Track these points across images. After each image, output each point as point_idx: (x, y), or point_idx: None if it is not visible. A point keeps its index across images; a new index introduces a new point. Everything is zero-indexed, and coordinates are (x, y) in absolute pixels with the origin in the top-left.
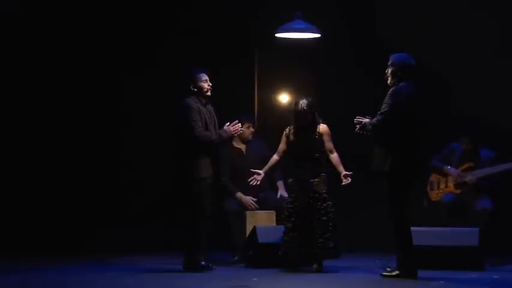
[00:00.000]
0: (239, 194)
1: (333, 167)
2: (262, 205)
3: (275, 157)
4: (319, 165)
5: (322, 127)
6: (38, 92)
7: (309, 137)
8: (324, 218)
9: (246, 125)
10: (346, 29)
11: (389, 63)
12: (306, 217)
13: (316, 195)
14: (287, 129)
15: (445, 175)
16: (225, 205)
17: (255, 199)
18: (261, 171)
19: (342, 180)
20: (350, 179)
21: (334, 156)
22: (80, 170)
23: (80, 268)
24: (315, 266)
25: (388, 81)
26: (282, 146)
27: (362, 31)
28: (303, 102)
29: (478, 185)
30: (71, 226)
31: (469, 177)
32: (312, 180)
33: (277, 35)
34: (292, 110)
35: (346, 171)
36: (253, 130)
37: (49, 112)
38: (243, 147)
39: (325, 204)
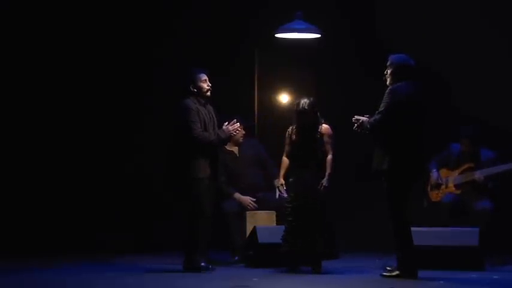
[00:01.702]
0: (237, 195)
1: None
2: (261, 205)
3: (285, 160)
4: (321, 166)
5: (324, 127)
6: (39, 92)
7: (311, 137)
8: (324, 219)
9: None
10: (346, 29)
11: (388, 63)
12: (307, 217)
13: (317, 196)
14: (289, 129)
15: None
16: (224, 206)
17: (253, 199)
18: (281, 180)
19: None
20: (322, 187)
21: (328, 159)
22: (80, 170)
23: (80, 268)
24: (314, 267)
25: (387, 82)
26: (287, 148)
27: (362, 31)
28: (304, 102)
29: (484, 183)
30: (70, 226)
31: (477, 176)
32: (313, 181)
33: (277, 35)
34: (294, 110)
35: (328, 179)
36: (244, 132)
37: (49, 112)
38: (235, 149)
39: (324, 206)
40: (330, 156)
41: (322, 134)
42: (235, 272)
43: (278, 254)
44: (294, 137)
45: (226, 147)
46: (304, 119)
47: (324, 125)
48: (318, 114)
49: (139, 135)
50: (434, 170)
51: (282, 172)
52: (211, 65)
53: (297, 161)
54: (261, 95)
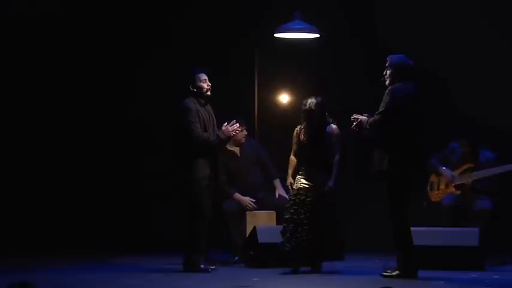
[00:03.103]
0: (237, 195)
1: None
2: (261, 205)
3: (293, 158)
4: (330, 166)
5: (333, 127)
6: (37, 93)
7: (319, 137)
8: (331, 220)
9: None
10: (346, 29)
11: (387, 64)
12: (310, 214)
13: (325, 195)
14: (297, 128)
15: (441, 176)
16: (224, 206)
17: (253, 200)
18: (290, 179)
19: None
20: (327, 188)
21: (335, 159)
22: (80, 170)
23: (80, 268)
24: (313, 267)
25: (387, 83)
26: (295, 147)
27: (362, 31)
28: (311, 102)
29: (475, 186)
30: (71, 226)
31: (466, 179)
32: (322, 181)
33: (277, 35)
34: (302, 110)
35: (334, 180)
36: (246, 133)
37: (51, 112)
38: (236, 149)
39: (330, 206)
40: (337, 157)
41: (330, 134)
42: (235, 272)
43: (278, 254)
44: (302, 136)
45: (227, 146)
46: (312, 118)
47: (332, 125)
48: (326, 114)
49: (139, 136)
50: (444, 168)
51: (290, 171)
52: (211, 65)
53: (305, 161)
54: (261, 95)
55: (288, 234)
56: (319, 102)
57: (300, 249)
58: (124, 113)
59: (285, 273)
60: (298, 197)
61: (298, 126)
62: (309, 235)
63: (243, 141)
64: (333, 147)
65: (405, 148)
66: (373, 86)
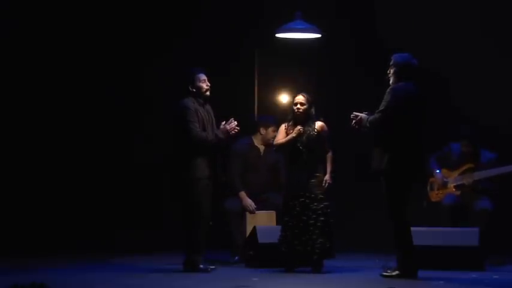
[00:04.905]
0: (242, 194)
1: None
2: (263, 205)
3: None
4: (314, 163)
5: (319, 125)
6: (39, 91)
7: (308, 134)
8: (322, 219)
9: (271, 128)
10: (346, 29)
11: (391, 63)
12: (302, 216)
13: (312, 195)
14: (285, 125)
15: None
16: (225, 204)
17: (254, 206)
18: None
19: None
20: (326, 184)
21: (328, 156)
22: (81, 170)
23: (80, 268)
24: (314, 267)
25: (390, 82)
26: (278, 137)
27: (362, 31)
28: (300, 98)
29: (475, 186)
30: (71, 226)
31: (467, 179)
32: (309, 178)
33: (277, 35)
34: (291, 107)
35: (330, 176)
36: (275, 134)
37: (52, 111)
38: (262, 148)
39: (321, 205)
40: (330, 153)
41: (318, 131)
42: (235, 272)
43: (278, 254)
44: (290, 132)
45: (254, 141)
46: (298, 113)
47: (318, 122)
48: (313, 110)
49: (140, 135)
50: (438, 171)
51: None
52: (212, 65)
53: (290, 158)
54: (261, 95)
55: (282, 238)
56: (307, 99)
57: (297, 253)
58: (124, 112)
59: (284, 272)
60: (290, 203)
61: (285, 123)
62: (302, 238)
63: (271, 141)
64: (324, 145)
65: (405, 147)
66: (373, 85)
